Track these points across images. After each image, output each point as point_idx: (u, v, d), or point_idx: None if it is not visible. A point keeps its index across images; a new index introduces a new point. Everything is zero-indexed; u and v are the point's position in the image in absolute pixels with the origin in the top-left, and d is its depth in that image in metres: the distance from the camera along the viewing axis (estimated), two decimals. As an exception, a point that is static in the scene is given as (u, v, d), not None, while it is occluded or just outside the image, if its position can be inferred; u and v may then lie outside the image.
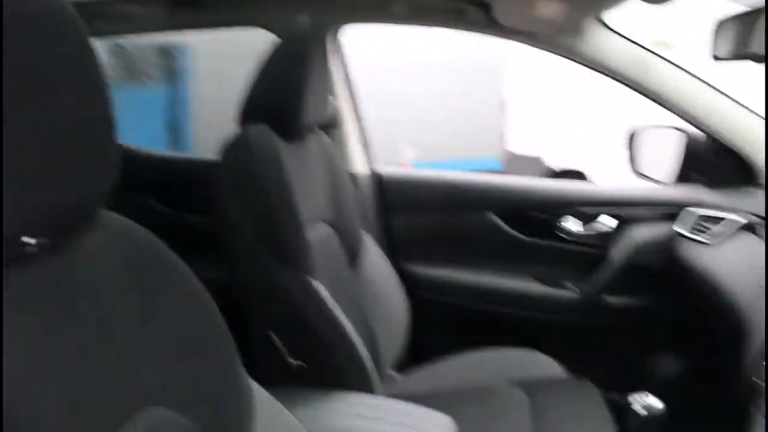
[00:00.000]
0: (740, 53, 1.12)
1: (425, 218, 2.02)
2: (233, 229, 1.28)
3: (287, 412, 0.89)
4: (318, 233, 1.42)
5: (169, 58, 4.23)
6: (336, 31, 1.87)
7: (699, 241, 1.67)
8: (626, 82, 1.71)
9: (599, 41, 1.70)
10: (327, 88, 1.56)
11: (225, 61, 3.97)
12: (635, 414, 1.08)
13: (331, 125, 1.84)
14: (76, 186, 0.57)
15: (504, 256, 1.98)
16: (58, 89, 0.54)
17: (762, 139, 1.67)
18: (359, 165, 1.97)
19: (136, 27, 1.99)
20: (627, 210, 1.89)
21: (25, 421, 0.52)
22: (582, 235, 1.94)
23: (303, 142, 1.43)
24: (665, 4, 1.45)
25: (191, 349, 0.71)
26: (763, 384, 1.13)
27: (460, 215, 2.00)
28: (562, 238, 1.94)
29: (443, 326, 1.97)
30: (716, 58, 1.15)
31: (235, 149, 1.27)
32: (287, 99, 1.33)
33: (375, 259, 1.68)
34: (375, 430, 1.12)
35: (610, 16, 1.69)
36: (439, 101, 5.25)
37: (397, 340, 1.65)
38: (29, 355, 0.54)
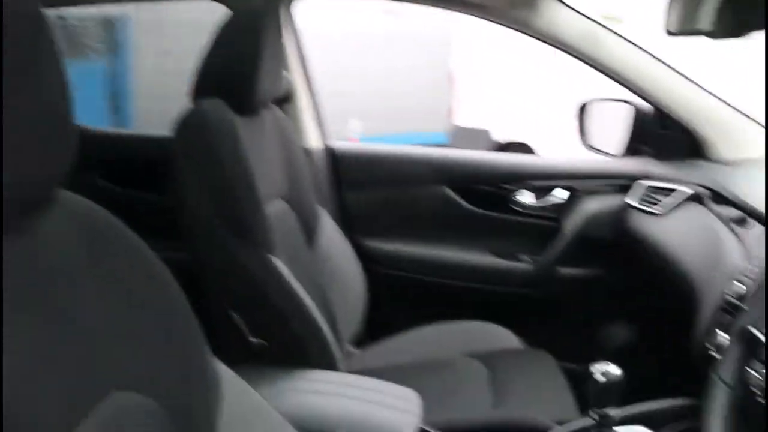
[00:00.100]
0: (690, 29, 1.13)
1: (380, 193, 2.01)
2: (190, 206, 1.25)
3: (253, 390, 0.88)
4: (274, 209, 1.40)
5: (111, 30, 4.09)
6: (289, 4, 1.83)
7: (649, 212, 1.71)
8: (578, 55, 1.73)
9: (552, 15, 1.71)
10: (281, 62, 1.53)
11: (168, 34, 3.87)
12: (595, 381, 1.10)
13: (285, 100, 1.81)
14: (34, 166, 0.54)
15: (459, 230, 1.99)
16: (13, 67, 0.51)
17: (708, 111, 1.71)
18: (313, 140, 1.95)
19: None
20: (579, 182, 1.92)
21: None
22: (535, 207, 1.96)
23: (257, 117, 1.40)
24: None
25: (156, 331, 0.69)
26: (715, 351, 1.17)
27: (414, 189, 2.00)
28: (516, 211, 1.96)
29: (400, 301, 1.98)
30: (669, 33, 1.16)
31: (189, 125, 1.24)
32: (241, 73, 1.30)
33: (331, 234, 1.67)
34: (340, 407, 1.12)
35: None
36: (386, 74, 5.22)
37: (354, 316, 1.65)
38: None
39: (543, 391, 1.51)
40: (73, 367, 0.58)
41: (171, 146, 1.26)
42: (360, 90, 5.01)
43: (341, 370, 1.33)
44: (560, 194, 1.93)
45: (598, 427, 1.14)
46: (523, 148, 5.43)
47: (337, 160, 1.99)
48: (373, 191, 2.01)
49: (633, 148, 1.86)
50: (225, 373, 0.80)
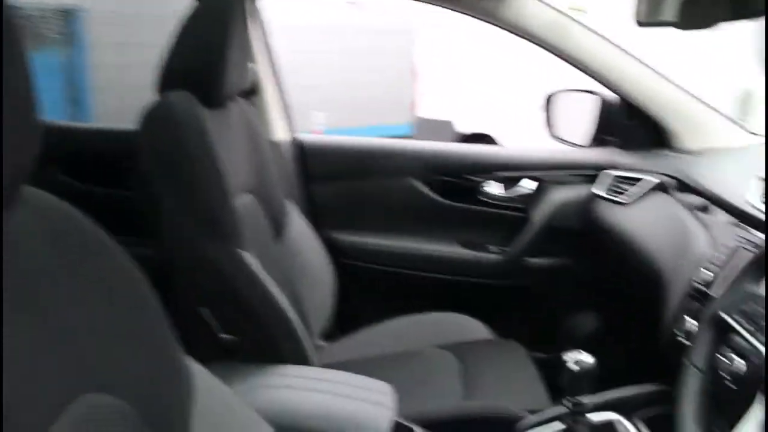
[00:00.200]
0: (658, 20, 1.14)
1: (348, 185, 2.00)
2: (157, 201, 1.22)
3: (225, 387, 0.86)
4: (242, 203, 1.38)
5: (68, 21, 3.98)
6: (254, -5, 1.80)
7: (615, 202, 1.73)
8: (545, 46, 1.74)
9: (519, 5, 1.71)
10: (247, 54, 1.50)
11: (129, 26, 3.79)
12: (568, 370, 1.11)
13: (251, 92, 1.78)
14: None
15: (427, 221, 1.99)
16: None
17: (673, 102, 1.73)
18: (280, 132, 1.92)
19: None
20: (546, 173, 1.93)
21: None
22: (503, 198, 1.97)
23: (224, 109, 1.38)
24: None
25: (126, 330, 0.67)
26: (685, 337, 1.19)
27: (382, 181, 1.99)
28: (484, 201, 1.97)
29: (370, 293, 1.97)
30: (638, 23, 1.17)
31: (156, 118, 1.21)
32: (208, 65, 1.27)
33: (300, 228, 1.65)
34: (313, 401, 1.11)
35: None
36: (349, 67, 5.20)
37: (324, 309, 1.64)
38: None
39: (514, 381, 1.52)
40: (45, 368, 0.56)
41: (136, 140, 1.23)
42: (323, 82, 4.98)
43: (313, 364, 1.31)
44: (528, 185, 1.94)
45: (572, 414, 1.15)
46: (486, 139, 5.47)
47: (304, 152, 1.97)
48: (341, 183, 1.99)
49: (599, 139, 1.88)
50: (197, 370, 0.79)
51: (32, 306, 0.57)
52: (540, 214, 1.91)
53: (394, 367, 1.54)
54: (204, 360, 0.82)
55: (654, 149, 1.78)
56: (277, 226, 1.54)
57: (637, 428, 1.23)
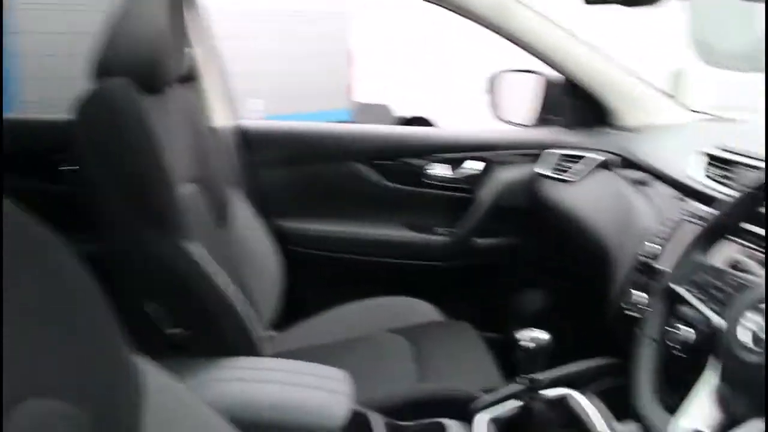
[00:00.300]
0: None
1: (293, 171, 1.97)
2: (96, 194, 1.16)
3: (176, 383, 0.83)
4: (186, 193, 1.33)
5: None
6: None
7: (560, 180, 1.75)
8: (488, 25, 1.73)
9: (461, -15, 1.70)
10: (184, 38, 1.45)
11: (58, 13, 3.64)
12: (523, 347, 1.12)
13: (190, 78, 1.72)
14: None
15: (373, 205, 1.98)
16: None
17: (614, 81, 1.76)
18: (222, 119, 1.87)
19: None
20: (491, 153, 1.93)
21: None
22: (449, 179, 1.97)
23: (163, 96, 1.32)
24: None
25: (71, 331, 0.63)
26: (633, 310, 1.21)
27: (327, 166, 1.97)
28: (430, 183, 1.96)
29: (318, 280, 1.95)
30: (586, 1, 1.18)
31: (93, 106, 1.15)
32: (144, 50, 1.22)
33: (245, 216, 1.62)
34: (267, 392, 1.08)
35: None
36: (285, 53, 5.12)
37: (272, 298, 1.61)
38: None
39: (466, 362, 1.52)
40: None
41: (70, 130, 1.17)
42: (258, 69, 4.89)
43: (264, 355, 1.29)
44: (473, 165, 1.95)
45: (527, 391, 1.16)
46: (424, 122, 5.48)
47: (247, 139, 1.92)
48: (285, 170, 1.96)
49: (543, 118, 1.90)
50: (146, 367, 0.76)
51: None
52: (486, 194, 1.92)
53: (347, 354, 1.52)
54: (153, 356, 0.79)
55: (597, 127, 1.80)
56: (222, 215, 1.50)
57: (591, 401, 1.25)
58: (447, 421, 1.20)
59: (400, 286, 1.80)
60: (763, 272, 0.89)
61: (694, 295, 0.87)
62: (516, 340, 1.13)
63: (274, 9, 5.05)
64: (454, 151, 1.96)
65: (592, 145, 1.73)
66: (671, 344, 0.95)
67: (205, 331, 1.21)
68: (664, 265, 1.17)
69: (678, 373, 0.93)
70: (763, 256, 0.97)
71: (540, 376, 1.15)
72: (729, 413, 0.76)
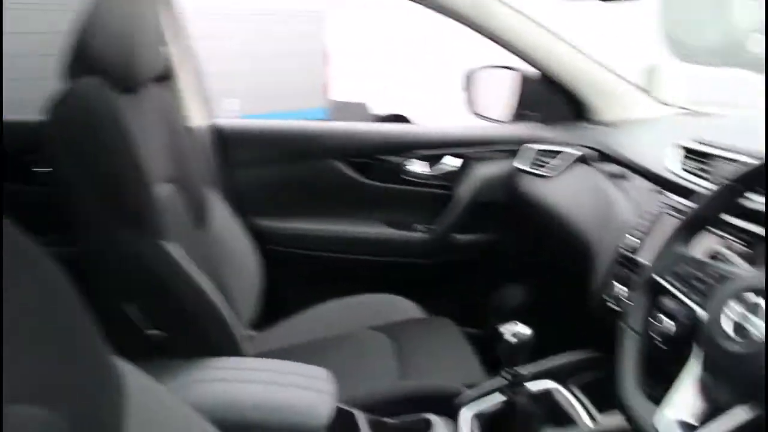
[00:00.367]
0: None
1: (270, 170, 1.95)
2: (71, 195, 1.14)
3: (158, 385, 0.82)
4: (162, 194, 1.31)
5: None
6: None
7: (539, 175, 1.75)
8: (464, 21, 1.73)
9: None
10: (158, 37, 1.43)
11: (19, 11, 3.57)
12: (506, 342, 1.12)
13: (165, 77, 1.70)
14: None
15: (352, 203, 1.97)
16: None
17: (590, 76, 1.77)
18: (198, 118, 1.85)
19: None
20: (470, 149, 1.94)
21: None
22: (427, 176, 1.97)
23: (137, 95, 1.30)
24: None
25: (50, 336, 0.62)
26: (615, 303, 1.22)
27: (305, 164, 1.95)
28: (409, 180, 1.96)
29: (298, 279, 1.94)
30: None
31: (67, 106, 1.12)
32: (118, 49, 1.20)
33: (223, 216, 1.60)
34: (251, 393, 1.07)
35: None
36: (260, 52, 5.09)
37: (252, 298, 1.59)
38: None
39: (448, 358, 1.52)
40: None
41: (42, 131, 1.14)
42: (234, 69, 4.85)
43: (246, 355, 1.27)
44: (451, 162, 1.95)
45: (511, 385, 1.16)
46: (401, 120, 5.48)
47: (223, 138, 1.91)
48: (262, 169, 1.94)
49: (520, 114, 1.90)
50: (126, 369, 0.74)
51: None
52: (465, 190, 1.92)
53: (328, 352, 1.52)
54: (133, 359, 0.77)
55: (574, 122, 1.81)
56: (200, 215, 1.48)
57: (573, 394, 1.26)
58: (432, 417, 1.20)
59: (380, 283, 1.80)
60: (742, 262, 0.90)
61: (675, 287, 0.88)
62: (498, 335, 1.14)
63: (249, 9, 5.01)
64: (431, 148, 1.96)
65: (570, 140, 1.74)
66: (653, 336, 0.96)
67: (186, 332, 1.20)
68: (645, 257, 1.18)
69: (661, 365, 0.93)
70: (743, 247, 0.98)
71: (523, 370, 1.16)
72: (712, 402, 0.77)
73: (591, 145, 1.66)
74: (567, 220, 1.55)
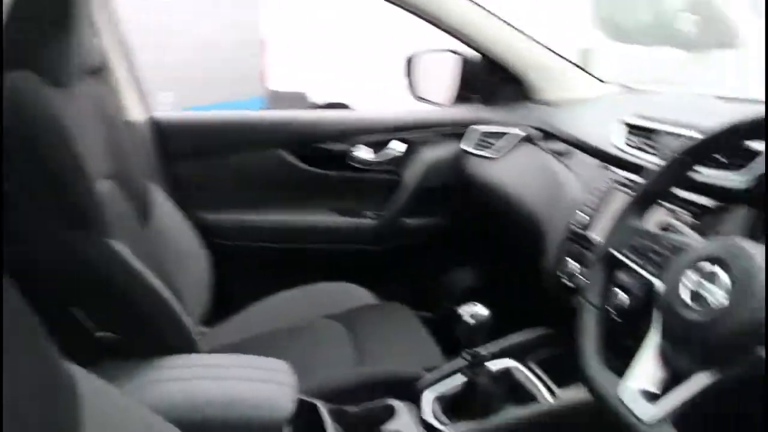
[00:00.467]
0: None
1: (212, 162, 1.91)
2: (9, 196, 1.09)
3: (113, 388, 0.79)
4: (103, 190, 1.26)
5: None
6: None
7: (485, 157, 1.76)
8: (404, 6, 1.72)
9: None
10: (91, 28, 1.37)
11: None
12: (464, 323, 1.13)
13: (99, 70, 1.64)
14: None
15: (299, 192, 1.94)
16: None
17: (531, 57, 1.78)
18: (135, 112, 1.79)
19: None
20: (414, 133, 1.93)
21: None
22: (374, 162, 1.96)
23: (71, 89, 1.25)
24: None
25: None
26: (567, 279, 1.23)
27: (248, 155, 1.91)
28: (355, 167, 1.95)
29: (247, 272, 1.90)
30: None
31: None
32: (50, 41, 1.14)
33: (167, 211, 1.56)
34: (209, 390, 1.04)
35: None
36: (193, 42, 4.97)
37: (201, 294, 1.56)
38: None
39: (405, 342, 1.52)
40: None
41: None
42: (167, 60, 4.72)
43: (201, 352, 1.24)
44: (397, 147, 1.94)
45: (471, 366, 1.17)
46: (342, 108, 5.45)
47: (162, 131, 1.85)
48: (204, 161, 1.90)
49: (463, 96, 1.91)
50: (79, 374, 0.71)
51: None
52: (411, 175, 1.92)
53: (283, 344, 1.50)
54: (84, 363, 0.74)
55: (517, 103, 1.83)
56: (143, 211, 1.44)
57: (532, 371, 1.28)
58: (395, 402, 1.20)
59: (330, 271, 1.79)
60: (693, 233, 0.93)
61: (632, 260, 0.89)
62: (451, 317, 1.14)
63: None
64: (376, 134, 1.95)
65: (514, 121, 1.75)
66: (610, 309, 0.97)
67: (138, 332, 1.16)
68: (597, 233, 1.20)
69: (619, 338, 0.95)
70: (691, 218, 1.01)
71: (482, 350, 1.17)
72: (673, 370, 0.79)
73: (535, 125, 1.68)
74: (516, 200, 1.56)
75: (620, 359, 0.88)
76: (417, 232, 1.94)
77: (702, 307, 0.74)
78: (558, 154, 1.52)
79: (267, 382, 1.06)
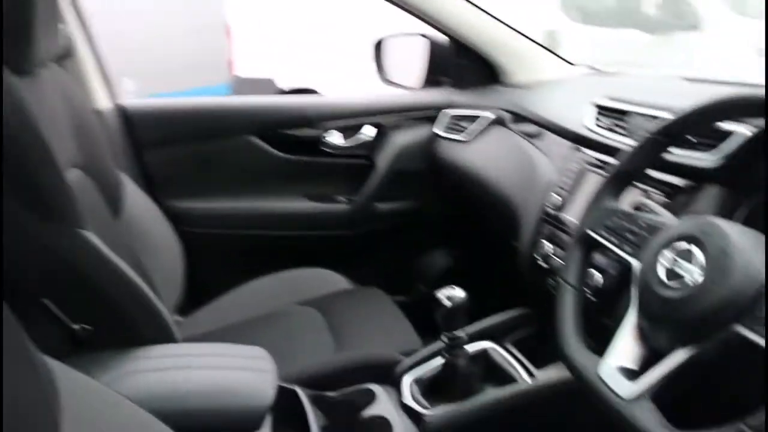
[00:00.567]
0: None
1: (181, 150, 1.88)
2: None
3: (92, 380, 0.78)
4: (72, 180, 1.24)
5: None
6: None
7: (456, 140, 1.77)
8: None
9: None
10: (55, 13, 1.34)
11: None
12: (443, 307, 1.13)
13: (64, 57, 1.60)
14: None
15: (271, 179, 1.93)
16: None
17: (500, 39, 1.79)
18: (102, 100, 1.76)
19: None
20: (385, 118, 1.93)
21: None
22: (345, 147, 1.95)
23: (36, 77, 1.22)
24: None
25: None
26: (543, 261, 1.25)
27: (219, 142, 1.89)
28: (327, 152, 1.94)
29: (220, 260, 1.89)
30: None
31: None
32: (13, 26, 1.11)
33: (137, 200, 1.53)
34: (189, 379, 1.03)
35: None
36: (157, 29, 4.88)
37: (175, 284, 1.54)
38: None
39: (382, 326, 1.52)
40: None
41: None
42: (131, 47, 4.63)
43: (178, 341, 1.23)
44: (369, 131, 1.94)
45: (449, 349, 1.18)
46: (309, 93, 5.40)
47: (130, 119, 1.82)
48: (174, 149, 1.87)
49: (432, 80, 1.91)
50: (57, 368, 0.70)
51: None
52: (383, 159, 1.92)
53: (259, 331, 1.49)
54: (60, 356, 0.73)
55: (487, 86, 1.83)
56: (113, 201, 1.41)
57: (510, 352, 1.29)
58: (375, 387, 1.20)
59: (304, 257, 1.78)
60: (666, 212, 0.94)
61: (609, 240, 0.90)
62: (427, 300, 1.15)
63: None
64: (348, 118, 1.94)
65: (484, 104, 1.76)
66: (586, 290, 0.99)
67: (114, 323, 1.14)
68: (571, 214, 1.21)
69: (596, 317, 0.97)
70: (663, 198, 1.03)
71: (460, 332, 1.17)
72: (651, 347, 0.80)
73: (506, 108, 1.68)
74: (489, 183, 1.57)
75: (597, 339, 0.90)
76: (390, 216, 1.95)
77: (678, 285, 0.76)
78: (529, 136, 1.52)
79: (247, 370, 1.05)
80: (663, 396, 0.75)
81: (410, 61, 1.95)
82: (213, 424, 0.96)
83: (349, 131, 1.94)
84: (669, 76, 1.56)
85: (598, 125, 1.30)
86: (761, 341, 0.67)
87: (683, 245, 0.77)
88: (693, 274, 0.75)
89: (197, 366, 1.07)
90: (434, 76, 1.91)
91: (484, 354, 1.28)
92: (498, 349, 1.29)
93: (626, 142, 1.14)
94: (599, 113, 1.32)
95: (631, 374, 0.79)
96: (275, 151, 1.90)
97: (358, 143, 1.94)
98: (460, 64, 1.86)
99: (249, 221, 1.91)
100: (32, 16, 1.11)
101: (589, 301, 1.01)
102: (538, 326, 1.35)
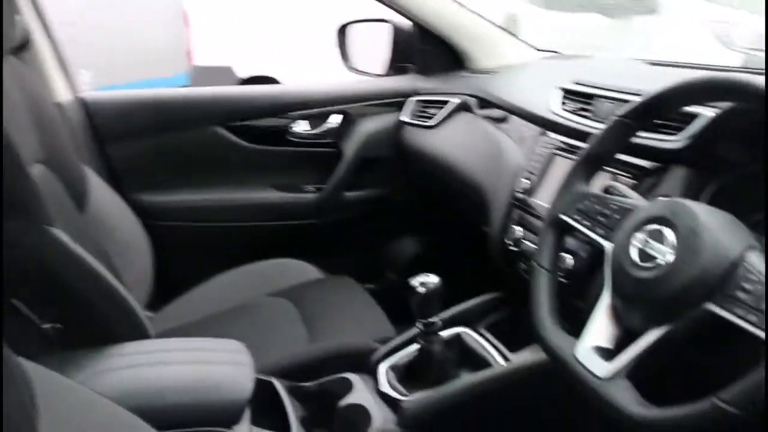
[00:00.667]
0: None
1: (146, 142, 1.84)
2: None
3: (67, 380, 0.77)
4: (36, 176, 1.21)
5: None
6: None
7: (423, 126, 1.77)
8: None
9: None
10: (10, 3, 1.30)
11: None
12: (417, 293, 1.14)
13: (21, 49, 1.55)
14: None
15: (237, 169, 1.91)
16: None
17: (464, 25, 1.79)
18: (62, 92, 1.72)
19: None
20: (351, 106, 1.92)
21: None
22: (312, 136, 1.94)
23: None
24: None
25: None
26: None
27: (184, 134, 1.86)
28: (294, 142, 1.93)
29: (188, 253, 1.87)
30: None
31: None
32: None
33: (102, 195, 1.51)
34: (167, 375, 1.02)
35: None
36: (113, 19, 4.77)
37: (145, 279, 1.52)
38: None
39: (355, 315, 1.53)
40: None
41: None
42: (86, 38, 4.51)
43: (151, 337, 1.22)
44: (335, 120, 1.93)
45: (424, 335, 1.19)
46: (269, 81, 5.35)
47: (92, 112, 1.78)
48: (138, 141, 1.84)
49: (397, 67, 1.91)
50: (31, 368, 0.69)
51: None
52: (351, 147, 1.91)
53: (231, 324, 1.48)
54: (31, 356, 0.72)
55: (452, 72, 1.84)
56: (78, 196, 1.39)
57: (484, 336, 1.31)
58: (351, 376, 1.21)
59: (274, 248, 1.77)
60: (636, 194, 0.96)
61: (581, 223, 0.92)
62: (398, 288, 1.15)
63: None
64: (312, 107, 1.93)
65: (450, 89, 1.76)
66: (558, 273, 1.00)
67: (85, 321, 1.12)
68: (540, 198, 1.23)
69: (569, 299, 0.98)
70: (631, 180, 1.05)
71: (435, 318, 1.18)
72: (625, 327, 0.82)
73: (471, 93, 1.69)
74: (456, 168, 1.58)
75: (571, 321, 0.91)
76: (359, 204, 1.95)
77: (651, 266, 0.77)
78: (496, 121, 1.53)
79: (224, 364, 1.05)
80: (638, 374, 0.77)
81: (374, 48, 1.95)
82: (192, 419, 0.95)
83: (315, 120, 1.93)
84: (632, 59, 1.59)
85: (565, 109, 1.31)
86: (732, 318, 0.69)
87: (654, 226, 0.79)
88: (665, 254, 0.76)
89: (173, 361, 1.06)
90: (399, 63, 1.91)
91: (458, 339, 1.29)
92: (472, 333, 1.30)
93: (593, 126, 1.16)
94: (565, 97, 1.33)
95: (607, 354, 0.81)
96: (241, 141, 1.89)
97: (324, 131, 1.93)
98: (425, 50, 1.86)
99: (216, 213, 1.89)
100: None
101: (562, 284, 1.02)
102: (510, 310, 1.36)
